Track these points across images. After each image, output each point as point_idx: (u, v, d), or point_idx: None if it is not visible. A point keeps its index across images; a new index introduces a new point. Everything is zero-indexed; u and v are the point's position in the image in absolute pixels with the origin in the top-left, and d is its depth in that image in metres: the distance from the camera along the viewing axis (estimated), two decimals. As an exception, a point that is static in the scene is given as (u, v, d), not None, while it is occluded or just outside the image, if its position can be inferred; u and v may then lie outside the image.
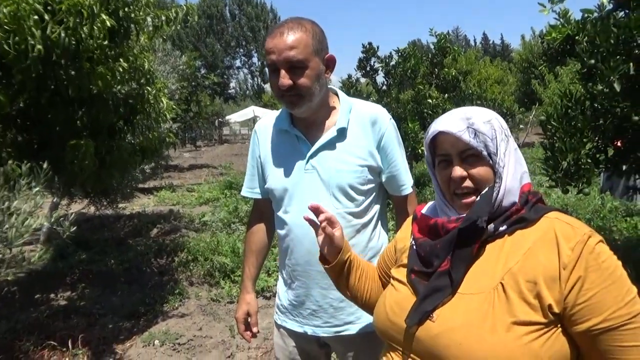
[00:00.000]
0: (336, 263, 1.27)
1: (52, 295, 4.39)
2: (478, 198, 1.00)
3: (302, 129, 1.55)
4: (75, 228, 2.61)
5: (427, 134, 1.07)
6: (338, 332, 1.55)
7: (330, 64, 1.49)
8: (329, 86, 1.58)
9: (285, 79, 1.39)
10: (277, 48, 1.38)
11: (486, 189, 1.00)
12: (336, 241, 1.24)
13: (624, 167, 3.38)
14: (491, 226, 0.99)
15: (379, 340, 1.52)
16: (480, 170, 1.01)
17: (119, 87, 3.46)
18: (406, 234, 1.21)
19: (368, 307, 1.31)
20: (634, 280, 0.93)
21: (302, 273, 1.55)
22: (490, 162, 1.00)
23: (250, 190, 1.72)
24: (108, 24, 2.88)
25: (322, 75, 1.45)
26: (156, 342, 3.55)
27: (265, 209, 1.71)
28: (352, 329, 1.55)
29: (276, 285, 1.76)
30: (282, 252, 1.64)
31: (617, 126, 3.20)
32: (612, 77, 2.93)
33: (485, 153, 1.00)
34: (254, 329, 1.71)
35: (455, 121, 1.02)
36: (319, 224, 1.24)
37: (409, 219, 1.24)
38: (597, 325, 0.88)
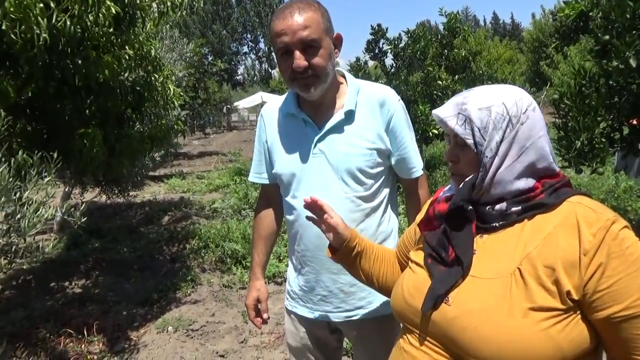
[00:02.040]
0: (343, 251, 1.26)
1: (66, 284, 4.45)
2: (462, 185, 1.01)
3: (309, 112, 1.52)
4: (86, 218, 2.61)
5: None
6: (349, 316, 1.54)
7: (338, 42, 1.46)
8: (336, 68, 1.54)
9: (301, 60, 1.35)
10: (290, 29, 1.33)
11: (470, 177, 1.00)
12: (340, 230, 1.24)
13: (640, 146, 3.31)
14: (502, 205, 0.97)
15: (390, 324, 1.51)
16: (466, 157, 1.01)
17: (125, 75, 3.45)
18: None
19: (384, 291, 1.30)
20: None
21: (311, 258, 1.53)
22: (475, 151, 0.98)
23: (257, 175, 1.70)
24: (113, 11, 2.85)
25: (333, 54, 1.42)
26: (170, 328, 3.58)
27: (273, 194, 1.68)
28: (363, 314, 1.54)
29: (287, 270, 1.75)
30: (291, 238, 1.63)
31: (633, 104, 3.13)
32: (627, 53, 2.86)
33: (470, 141, 0.97)
34: (265, 315, 1.70)
35: (449, 106, 1.01)
36: (317, 218, 1.25)
37: (427, 203, 1.22)
38: (618, 313, 0.85)
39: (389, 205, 1.59)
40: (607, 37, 3.06)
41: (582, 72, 3.27)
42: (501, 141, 0.96)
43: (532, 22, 25.01)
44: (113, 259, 5.04)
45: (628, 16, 2.92)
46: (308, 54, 1.36)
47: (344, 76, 1.57)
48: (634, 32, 2.91)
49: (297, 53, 1.35)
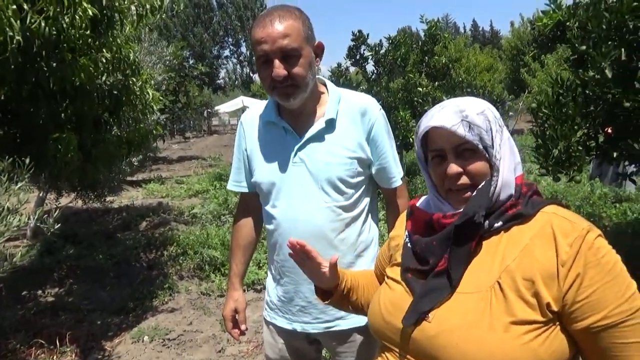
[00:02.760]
0: (335, 295, 1.21)
1: (39, 292, 4.33)
2: (474, 193, 0.96)
3: (290, 120, 1.50)
4: (59, 225, 2.54)
5: (419, 130, 1.01)
6: (328, 327, 1.52)
7: (319, 51, 1.44)
8: (317, 76, 1.53)
9: (280, 69, 1.33)
10: (270, 37, 1.31)
11: (483, 183, 0.95)
12: (330, 275, 1.17)
13: (614, 154, 3.37)
14: (485, 222, 0.96)
15: (370, 335, 1.49)
16: (476, 165, 0.96)
17: (103, 78, 3.38)
18: (400, 231, 1.16)
19: None
20: (624, 264, 0.91)
21: (290, 269, 1.51)
22: (487, 155, 0.96)
23: (236, 183, 1.67)
24: (90, 12, 2.78)
25: (313, 63, 1.40)
26: (145, 338, 3.51)
27: (252, 203, 1.65)
28: (343, 324, 1.51)
29: (266, 279, 1.72)
30: (270, 248, 1.60)
31: (608, 113, 3.18)
32: (603, 63, 2.90)
33: (481, 147, 0.95)
34: (242, 327, 1.67)
35: (448, 115, 0.96)
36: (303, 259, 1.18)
37: (403, 215, 1.20)
38: (597, 323, 0.85)
39: (370, 214, 1.57)
40: (583, 47, 3.11)
41: (560, 82, 3.32)
42: (500, 142, 0.97)
43: (511, 30, 25.46)
44: (88, 266, 4.92)
45: (604, 27, 2.97)
46: (288, 63, 1.34)
47: (325, 84, 1.55)
48: (609, 43, 2.95)
49: (277, 62, 1.33)
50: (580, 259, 0.86)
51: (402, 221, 1.19)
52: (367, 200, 1.55)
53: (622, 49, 2.91)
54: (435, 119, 0.97)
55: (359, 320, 1.50)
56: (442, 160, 0.98)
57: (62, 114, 3.30)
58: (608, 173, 6.80)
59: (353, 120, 1.48)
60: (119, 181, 6.85)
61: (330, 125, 1.46)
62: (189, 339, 3.53)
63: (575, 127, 3.19)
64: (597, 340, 0.87)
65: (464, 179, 0.96)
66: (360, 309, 1.26)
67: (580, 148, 3.27)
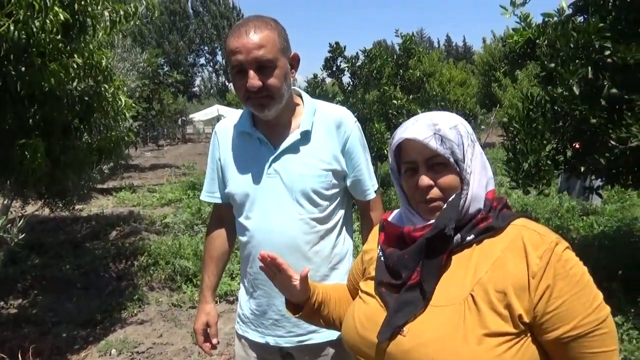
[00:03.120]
0: (306, 308, 1.19)
1: (1, 304, 4.16)
2: (445, 206, 0.97)
3: (265, 131, 1.48)
4: (24, 234, 2.46)
5: (392, 141, 1.03)
6: (301, 341, 1.50)
7: (295, 63, 1.44)
8: (292, 87, 1.52)
9: (255, 80, 1.32)
10: (245, 47, 1.30)
11: (453, 197, 0.97)
12: (301, 288, 1.16)
13: (582, 169, 3.47)
14: (458, 236, 0.97)
15: (344, 349, 1.48)
16: (447, 179, 0.97)
17: (74, 84, 3.30)
18: (373, 244, 1.16)
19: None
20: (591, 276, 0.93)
21: (264, 282, 1.48)
22: (457, 169, 0.97)
23: (209, 194, 1.64)
24: (62, 17, 2.73)
25: (289, 74, 1.40)
26: (113, 351, 3.40)
27: (226, 214, 1.63)
28: (317, 338, 1.50)
29: (239, 288, 1.69)
30: (243, 260, 1.58)
31: (576, 128, 3.29)
32: (571, 81, 3.00)
33: (452, 160, 0.96)
34: (214, 340, 1.63)
35: (421, 128, 0.97)
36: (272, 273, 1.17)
37: (375, 229, 1.20)
38: (567, 333, 0.87)
39: (344, 227, 1.57)
40: (552, 64, 3.21)
41: (530, 97, 3.41)
42: (472, 157, 0.98)
43: (483, 46, 26.11)
44: (54, 276, 4.77)
45: (572, 46, 3.07)
46: (263, 74, 1.33)
47: (300, 96, 1.55)
48: (577, 61, 3.06)
49: (252, 72, 1.32)
50: (550, 271, 0.88)
51: (374, 235, 1.19)
52: (341, 212, 1.54)
53: (589, 68, 3.01)
54: (408, 131, 0.98)
55: (333, 334, 1.48)
56: (414, 173, 1.00)
57: (30, 120, 3.21)
58: (576, 187, 6.99)
59: (328, 132, 1.48)
60: (89, 189, 6.67)
61: (306, 137, 1.46)
62: (158, 352, 3.45)
63: (545, 141, 3.28)
64: (566, 350, 0.89)
65: (435, 192, 0.98)
66: (331, 324, 1.25)
67: (549, 162, 3.36)
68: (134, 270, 4.96)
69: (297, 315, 1.21)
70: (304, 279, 1.14)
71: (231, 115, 1.62)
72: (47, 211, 6.04)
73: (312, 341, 1.49)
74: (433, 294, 0.95)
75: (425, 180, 0.97)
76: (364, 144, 1.55)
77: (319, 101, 1.56)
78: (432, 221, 0.97)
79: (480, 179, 0.99)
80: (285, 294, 1.20)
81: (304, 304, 1.19)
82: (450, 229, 0.93)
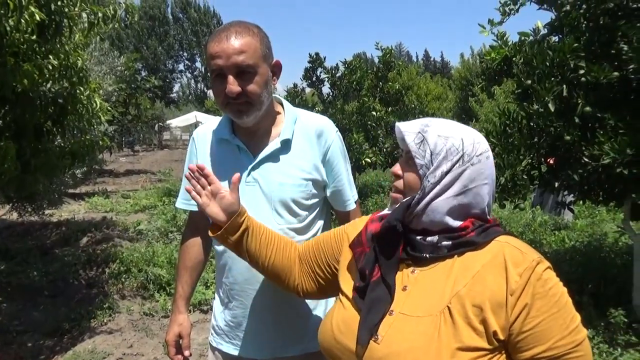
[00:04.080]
0: (230, 226, 1.21)
1: (-37, 311, 4.00)
2: (397, 205, 1.01)
3: (244, 138, 1.46)
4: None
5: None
6: (276, 354, 1.47)
7: (276, 70, 1.42)
8: (274, 95, 1.51)
9: (234, 86, 1.30)
10: (225, 52, 1.28)
11: (407, 198, 1.00)
12: (232, 200, 1.21)
13: (556, 184, 3.54)
14: (434, 238, 0.97)
15: (320, 361, 1.46)
16: (409, 176, 1.01)
17: (48, 85, 3.22)
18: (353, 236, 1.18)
19: (269, 275, 1.29)
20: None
21: (240, 292, 1.46)
22: (420, 172, 0.99)
23: (185, 201, 1.60)
24: (37, 17, 2.66)
25: (270, 82, 1.38)
26: (81, 361, 3.30)
27: (202, 222, 1.58)
28: (293, 350, 1.47)
29: (214, 298, 1.65)
30: (218, 270, 1.54)
31: (551, 144, 3.35)
32: (547, 98, 3.07)
33: (419, 161, 0.98)
34: (186, 352, 1.59)
35: (415, 123, 1.03)
36: (201, 186, 1.22)
37: (360, 223, 1.19)
38: (541, 354, 0.87)
39: None
40: (529, 81, 3.28)
41: (507, 113, 3.48)
42: (447, 172, 0.97)
43: (461, 61, 26.64)
44: (20, 283, 4.60)
45: (548, 64, 3.15)
46: (242, 80, 1.31)
47: (281, 104, 1.53)
48: (552, 79, 3.13)
49: (231, 78, 1.30)
50: (529, 289, 0.87)
51: (357, 229, 1.18)
52: (320, 222, 1.52)
53: (564, 86, 3.09)
54: (404, 122, 1.05)
55: (308, 347, 1.46)
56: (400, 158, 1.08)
57: (1, 121, 3.11)
58: (549, 202, 7.14)
59: (309, 142, 1.46)
60: (60, 193, 6.51)
61: (286, 145, 1.44)
62: (128, 362, 3.35)
63: (521, 156, 3.34)
64: None
65: (399, 183, 1.03)
66: (255, 260, 1.26)
67: (525, 177, 3.42)
68: (105, 277, 4.83)
69: (218, 233, 1.21)
70: (235, 189, 1.21)
71: (210, 122, 1.58)
72: (15, 215, 5.86)
73: (288, 354, 1.46)
74: (409, 302, 0.95)
75: (395, 167, 1.05)
76: (345, 154, 1.54)
77: (301, 110, 1.54)
78: (386, 212, 1.04)
79: (450, 199, 0.96)
80: (211, 214, 1.22)
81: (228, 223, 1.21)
82: (400, 225, 0.97)
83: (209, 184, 1.22)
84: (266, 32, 1.42)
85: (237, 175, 1.14)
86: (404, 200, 1.00)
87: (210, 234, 1.24)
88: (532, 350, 0.87)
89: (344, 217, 1.58)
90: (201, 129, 1.59)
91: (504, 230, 1.01)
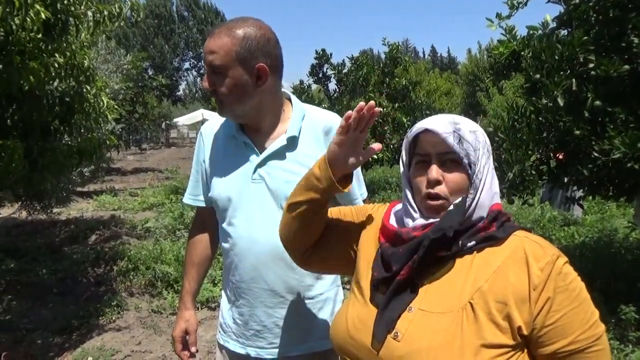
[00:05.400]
0: (335, 185, 1.05)
1: (-27, 309, 4.03)
2: (450, 207, 0.95)
3: (251, 135, 1.45)
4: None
5: (411, 132, 1.01)
6: (283, 353, 1.46)
7: (261, 74, 1.36)
8: (283, 91, 1.49)
9: (205, 82, 1.38)
10: (205, 50, 1.36)
11: (459, 199, 0.95)
12: (355, 159, 1.05)
13: (565, 179, 3.50)
14: (459, 241, 0.95)
15: (329, 360, 1.44)
16: (456, 177, 0.96)
17: (54, 84, 3.22)
18: (373, 231, 1.11)
19: (290, 246, 1.19)
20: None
21: (246, 290, 1.45)
22: (469, 171, 0.96)
23: (193, 197, 1.59)
24: (43, 16, 2.66)
25: (246, 84, 1.35)
26: (90, 359, 3.31)
27: (209, 218, 1.58)
28: (300, 349, 1.45)
29: (221, 295, 1.65)
30: (225, 268, 1.53)
31: (560, 139, 3.31)
32: (556, 92, 3.03)
33: (465, 161, 0.96)
34: (192, 349, 1.59)
35: (443, 123, 0.97)
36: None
37: (382, 211, 1.14)
38: (563, 348, 0.87)
39: None
40: (537, 76, 3.24)
41: (515, 108, 3.44)
42: (484, 165, 0.97)
43: (468, 57, 26.50)
44: (30, 281, 4.64)
45: (557, 58, 3.11)
46: (215, 79, 1.36)
47: (290, 100, 1.51)
48: (561, 73, 3.09)
49: (207, 75, 1.37)
50: (551, 284, 0.87)
51: (378, 217, 1.13)
52: None
53: (573, 80, 3.05)
54: (429, 123, 0.98)
55: (314, 346, 1.45)
56: (426, 166, 0.98)
57: (8, 120, 3.12)
58: (558, 197, 7.07)
59: (316, 139, 1.44)
60: (68, 192, 6.55)
61: (292, 142, 1.42)
62: (136, 360, 3.37)
63: (529, 152, 3.30)
64: None
65: (441, 188, 0.96)
66: (304, 233, 1.14)
67: (534, 172, 3.38)
68: (113, 275, 4.85)
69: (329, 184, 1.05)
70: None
71: (218, 117, 1.57)
72: (24, 214, 5.90)
73: (295, 353, 1.45)
74: (428, 298, 0.93)
75: (434, 171, 0.96)
76: None
77: (309, 106, 1.52)
78: (432, 220, 0.96)
79: (489, 189, 0.98)
80: (343, 152, 1.05)
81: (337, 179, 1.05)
82: (451, 231, 0.92)
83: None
84: (274, 27, 1.40)
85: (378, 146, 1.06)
86: (454, 204, 0.95)
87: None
88: (554, 345, 0.87)
89: None
90: (209, 124, 1.58)
91: (519, 224, 1.01)
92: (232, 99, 1.36)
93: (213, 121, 1.57)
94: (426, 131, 0.97)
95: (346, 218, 1.18)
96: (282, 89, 1.50)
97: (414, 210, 1.00)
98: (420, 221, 0.98)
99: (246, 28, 1.34)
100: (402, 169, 1.06)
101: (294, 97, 1.52)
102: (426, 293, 0.94)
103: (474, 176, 0.96)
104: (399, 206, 1.10)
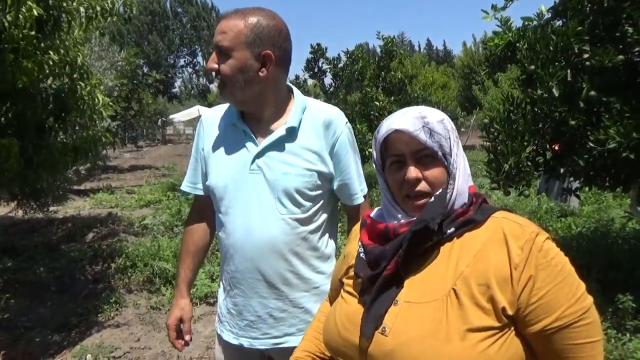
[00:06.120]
0: None
1: (-29, 308, 4.03)
2: (432, 199, 0.95)
3: (251, 124, 1.45)
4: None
5: (379, 133, 1.00)
6: (277, 344, 1.46)
7: (266, 61, 1.37)
8: (287, 84, 1.49)
9: (211, 62, 1.38)
10: (217, 30, 1.37)
11: (440, 190, 0.96)
12: None
13: (561, 170, 3.51)
14: (448, 228, 0.95)
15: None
16: (435, 172, 0.96)
17: (48, 81, 3.21)
18: (354, 245, 1.12)
19: None
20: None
21: (241, 281, 1.45)
22: (445, 163, 0.97)
23: (191, 185, 1.59)
24: (35, 12, 2.64)
25: (249, 69, 1.35)
26: (88, 356, 3.31)
27: (207, 207, 1.58)
28: (293, 341, 1.45)
29: (219, 285, 1.65)
30: (222, 257, 1.53)
31: (555, 130, 3.32)
32: (551, 83, 3.02)
33: (440, 154, 0.96)
34: (187, 337, 1.58)
35: (410, 120, 0.96)
36: None
37: (356, 229, 1.17)
38: (551, 324, 0.86)
39: (328, 230, 1.52)
40: (532, 67, 3.23)
41: (511, 99, 3.44)
42: (457, 152, 0.98)
43: (463, 49, 26.45)
44: (28, 280, 4.63)
45: (551, 49, 3.10)
46: (220, 59, 1.37)
47: (292, 92, 1.51)
48: (556, 63, 3.09)
49: (213, 54, 1.37)
50: (532, 262, 0.87)
51: (355, 235, 1.15)
52: (325, 215, 1.49)
53: (568, 70, 3.05)
54: (397, 122, 0.96)
55: None
56: (402, 166, 0.98)
57: (2, 118, 3.11)
58: (554, 188, 7.09)
59: (316, 132, 1.43)
60: (65, 190, 6.52)
61: (291, 133, 1.42)
62: (136, 356, 3.36)
63: (525, 143, 3.30)
64: (550, 342, 0.88)
65: (422, 185, 0.96)
66: None
67: (529, 163, 3.38)
68: (111, 272, 4.84)
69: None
70: None
71: (220, 106, 1.57)
72: (20, 213, 5.88)
73: (288, 344, 1.45)
74: (413, 290, 0.93)
75: (413, 172, 0.95)
76: (355, 147, 1.51)
77: (310, 99, 1.51)
78: (416, 217, 0.95)
79: (464, 174, 0.99)
80: None
81: None
82: (435, 223, 0.92)
83: None
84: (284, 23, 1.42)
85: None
86: (436, 194, 0.95)
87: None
88: (541, 322, 0.86)
89: (352, 212, 1.55)
90: (210, 113, 1.58)
91: (495, 206, 1.01)
92: (234, 81, 1.36)
93: (214, 110, 1.57)
94: (396, 131, 0.96)
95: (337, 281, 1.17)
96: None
97: (397, 210, 1.01)
98: (406, 218, 0.98)
99: (260, 16, 1.35)
100: (376, 169, 1.06)
101: (296, 90, 1.51)
102: (411, 285, 0.94)
103: (451, 166, 0.96)
104: (376, 210, 1.10)
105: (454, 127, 1.01)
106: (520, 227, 0.91)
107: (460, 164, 0.98)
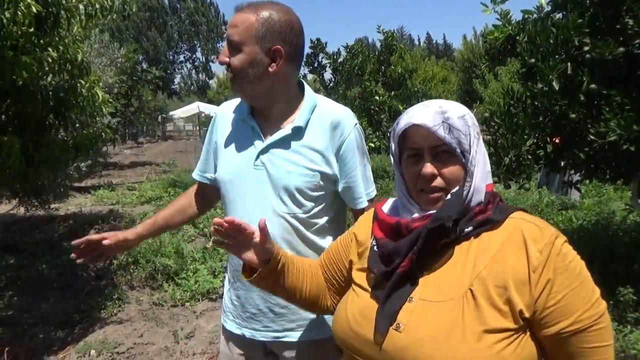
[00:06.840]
0: (267, 269, 1.12)
1: (-26, 305, 4.04)
2: (448, 196, 0.94)
3: (259, 120, 1.45)
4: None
5: (397, 126, 0.99)
6: (277, 337, 1.47)
7: (276, 56, 1.36)
8: (299, 81, 1.49)
9: (222, 55, 1.38)
10: (229, 23, 1.38)
11: (457, 188, 0.95)
12: (261, 245, 1.10)
13: (562, 163, 3.51)
14: (456, 228, 0.95)
15: (325, 348, 1.45)
16: (452, 169, 0.95)
17: (48, 78, 3.21)
18: (365, 235, 1.12)
19: (305, 305, 1.22)
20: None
21: None
22: (463, 160, 0.95)
23: (201, 174, 1.64)
24: (34, 9, 2.64)
25: (259, 64, 1.35)
26: (92, 352, 3.32)
27: (208, 193, 1.65)
28: (292, 336, 1.46)
29: (222, 286, 1.66)
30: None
31: (556, 123, 3.31)
32: (551, 76, 3.02)
33: (458, 151, 0.94)
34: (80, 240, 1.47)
35: (430, 114, 0.95)
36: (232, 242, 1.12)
37: (367, 216, 1.16)
38: (566, 328, 0.87)
39: (331, 232, 1.49)
40: (532, 60, 3.23)
41: (511, 93, 3.43)
42: (477, 149, 0.96)
43: (464, 43, 26.38)
44: (30, 277, 4.65)
45: (551, 42, 3.10)
46: (231, 53, 1.37)
47: (303, 89, 1.49)
48: (556, 56, 3.08)
49: (225, 47, 1.38)
50: (550, 265, 0.87)
51: (366, 222, 1.14)
52: (327, 217, 1.47)
53: (568, 63, 3.04)
54: (417, 116, 0.95)
55: (310, 334, 1.45)
56: (418, 160, 0.97)
57: (3, 115, 3.11)
58: (555, 181, 7.09)
59: (323, 132, 1.41)
60: (66, 187, 6.52)
61: (298, 132, 1.40)
62: (139, 352, 3.38)
63: (525, 136, 3.30)
64: (565, 345, 0.88)
65: (438, 181, 0.95)
66: (291, 295, 1.18)
67: (530, 157, 3.38)
68: (114, 269, 4.86)
69: (253, 277, 1.13)
70: (263, 231, 1.09)
71: (233, 100, 1.58)
72: (22, 210, 5.89)
73: (288, 339, 1.46)
74: (428, 288, 0.93)
75: (429, 168, 0.94)
76: (363, 149, 1.48)
77: (322, 97, 1.49)
78: (432, 211, 0.95)
79: (482, 171, 0.97)
80: (244, 258, 1.12)
81: (262, 266, 1.12)
82: (450, 220, 0.91)
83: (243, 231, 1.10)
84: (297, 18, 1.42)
85: (263, 219, 1.09)
86: (453, 191, 0.94)
87: (242, 277, 1.17)
88: (557, 325, 0.86)
89: (357, 215, 1.50)
90: (225, 107, 1.59)
91: (513, 205, 1.00)
92: (243, 74, 1.36)
93: (229, 103, 1.59)
94: (414, 125, 0.95)
95: (336, 255, 1.20)
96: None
97: (411, 204, 1.00)
98: (420, 213, 0.97)
99: (272, 10, 1.35)
100: (393, 161, 1.05)
101: (307, 88, 1.49)
102: (426, 283, 0.94)
103: (469, 164, 0.95)
104: (390, 202, 1.09)
105: (476, 123, 0.99)
106: (539, 230, 0.91)
107: (480, 160, 0.97)
